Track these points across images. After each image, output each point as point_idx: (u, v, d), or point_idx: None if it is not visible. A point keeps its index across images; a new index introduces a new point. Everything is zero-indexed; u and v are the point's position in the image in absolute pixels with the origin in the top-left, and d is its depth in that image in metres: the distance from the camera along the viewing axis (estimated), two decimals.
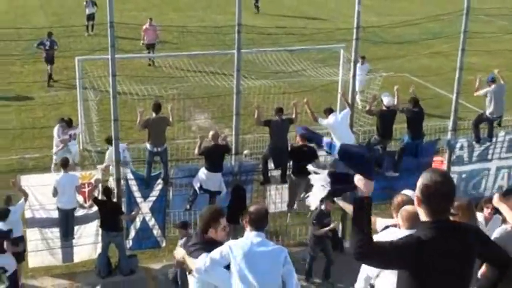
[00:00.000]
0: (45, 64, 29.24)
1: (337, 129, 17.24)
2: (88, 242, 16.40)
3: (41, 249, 16.14)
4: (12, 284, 15.03)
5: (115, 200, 15.98)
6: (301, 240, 17.38)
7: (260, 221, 6.75)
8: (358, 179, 4.79)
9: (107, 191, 15.86)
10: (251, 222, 6.73)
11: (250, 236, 6.70)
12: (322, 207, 15.35)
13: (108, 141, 18.93)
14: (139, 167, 17.48)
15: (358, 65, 25.18)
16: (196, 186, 16.15)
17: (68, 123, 20.26)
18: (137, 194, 16.53)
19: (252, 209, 6.85)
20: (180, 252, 7.16)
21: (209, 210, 7.20)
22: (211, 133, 16.36)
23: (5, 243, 14.41)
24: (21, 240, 15.43)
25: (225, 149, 16.25)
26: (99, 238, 16.28)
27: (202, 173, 16.05)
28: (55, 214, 15.94)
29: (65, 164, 16.07)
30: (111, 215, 15.68)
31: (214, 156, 15.98)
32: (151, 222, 16.68)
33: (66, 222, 15.96)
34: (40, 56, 30.29)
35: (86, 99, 22.84)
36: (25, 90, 27.89)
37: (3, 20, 39.30)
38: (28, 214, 15.73)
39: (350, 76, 17.82)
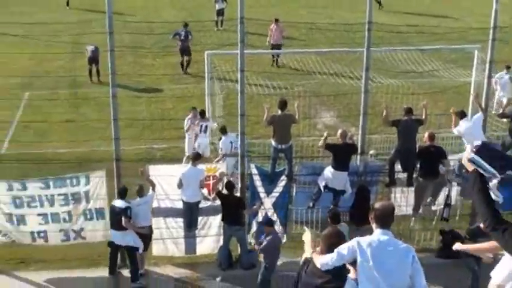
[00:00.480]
0: (179, 55, 29.96)
1: (470, 135, 16.68)
2: (211, 234, 16.62)
3: (165, 238, 16.49)
4: (134, 265, 15.56)
5: (238, 194, 16.13)
6: (424, 246, 16.98)
7: (385, 218, 6.60)
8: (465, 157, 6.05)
9: (229, 184, 15.98)
10: (376, 218, 6.60)
11: (376, 234, 6.58)
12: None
13: (222, 130, 19.26)
14: (264, 163, 17.56)
15: (502, 73, 24.41)
16: (322, 184, 16.07)
17: (201, 115, 20.69)
18: (261, 189, 16.60)
19: (378, 205, 6.70)
20: (308, 250, 7.16)
21: (334, 236, 7.03)
22: (339, 131, 16.24)
23: (123, 220, 15.00)
24: (150, 229, 15.91)
25: (353, 149, 16.10)
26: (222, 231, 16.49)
27: (329, 171, 15.95)
28: (179, 204, 16.23)
29: (195, 158, 16.30)
30: (234, 209, 15.81)
31: (342, 155, 15.85)
32: (274, 218, 16.59)
33: (190, 214, 16.24)
34: (171, 50, 31.06)
35: (214, 93, 23.21)
36: (155, 83, 28.63)
37: (138, 14, 40.54)
38: (154, 203, 16.05)
39: (484, 78, 17.25)
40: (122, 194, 15.25)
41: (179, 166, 17.17)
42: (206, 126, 20.70)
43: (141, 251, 15.58)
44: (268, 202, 16.61)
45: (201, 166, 16.39)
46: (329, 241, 6.89)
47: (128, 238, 15.37)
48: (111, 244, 15.64)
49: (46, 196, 15.66)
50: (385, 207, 6.67)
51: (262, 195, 16.57)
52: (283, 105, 16.41)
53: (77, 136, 22.46)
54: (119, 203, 15.17)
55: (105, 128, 21.31)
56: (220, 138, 19.61)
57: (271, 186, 16.58)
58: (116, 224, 15.26)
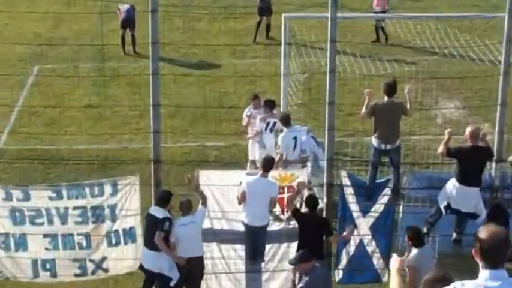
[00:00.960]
0: (257, 16, 29.84)
1: None
2: (283, 268, 16.37)
3: (219, 272, 16.34)
4: None
5: (323, 213, 15.90)
6: None
7: (495, 253, 6.25)
8: None
9: (311, 200, 15.78)
10: (482, 254, 6.26)
11: (483, 277, 6.27)
12: None
13: (284, 121, 18.98)
14: (360, 170, 17.34)
15: None
16: (443, 204, 15.80)
17: (269, 106, 20.28)
18: (354, 207, 16.39)
19: (483, 233, 6.29)
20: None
21: (439, 281, 6.84)
22: (468, 129, 15.91)
23: (156, 235, 14.92)
24: (200, 261, 15.65)
25: (487, 154, 15.78)
26: None
27: (452, 185, 15.66)
28: (240, 225, 16.06)
29: (266, 165, 16.06)
30: (315, 234, 15.51)
31: (472, 163, 15.51)
32: (371, 247, 16.47)
33: (254, 240, 16.05)
34: (234, 11, 31.00)
35: (292, 72, 22.92)
36: (212, 56, 28.70)
37: None
38: (205, 223, 15.90)
39: None
40: (164, 199, 15.24)
41: (241, 173, 17.02)
42: (274, 124, 20.21)
43: (173, 283, 15.44)
44: (363, 224, 16.38)
45: (273, 175, 16.19)
46: None
47: (161, 262, 15.28)
48: (142, 268, 15.57)
49: (57, 210, 15.65)
50: (494, 235, 6.27)
51: (355, 214, 16.36)
52: (391, 89, 16.21)
53: (102, 127, 22.64)
54: (156, 211, 15.17)
55: (141, 117, 21.39)
56: (281, 131, 19.36)
57: (369, 202, 16.38)
58: (149, 240, 15.27)
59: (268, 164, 16.09)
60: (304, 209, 15.87)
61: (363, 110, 16.19)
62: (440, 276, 6.96)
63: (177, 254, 15.32)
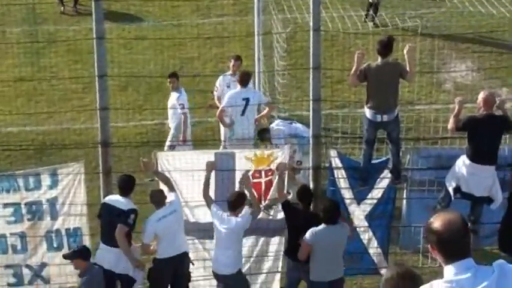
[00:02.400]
0: None
1: None
2: (263, 270, 16.51)
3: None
4: None
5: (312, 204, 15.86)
6: None
7: (455, 244, 6.43)
8: None
9: (305, 192, 15.66)
10: (442, 247, 6.48)
11: (449, 273, 6.46)
12: None
13: (242, 79, 19.02)
14: (354, 149, 17.48)
15: None
16: (451, 186, 15.81)
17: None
18: (346, 194, 16.54)
19: (437, 223, 6.49)
20: None
21: (404, 280, 6.90)
22: (481, 95, 15.86)
23: (118, 228, 14.79)
24: (188, 258, 15.56)
25: (505, 124, 15.71)
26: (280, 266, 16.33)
27: (463, 164, 15.65)
28: (208, 216, 15.76)
29: (235, 203, 15.20)
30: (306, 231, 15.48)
31: (486, 137, 15.45)
32: (366, 237, 16.64)
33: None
34: None
35: (267, 30, 22.99)
36: (170, 14, 28.63)
37: None
38: None
39: None
40: (126, 187, 15.14)
41: (209, 153, 16.72)
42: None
43: (137, 286, 15.47)
44: (359, 213, 16.53)
45: (246, 154, 16.21)
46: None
47: (125, 261, 15.16)
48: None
49: None
50: (449, 224, 6.48)
51: (348, 202, 16.49)
52: (385, 48, 16.08)
53: (37, 105, 22.68)
54: (117, 201, 15.08)
55: (85, 91, 21.42)
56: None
57: (364, 189, 16.54)
58: (107, 236, 15.10)
59: (236, 202, 15.29)
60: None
61: (352, 74, 15.97)
62: (409, 273, 6.94)
63: (158, 255, 15.25)
